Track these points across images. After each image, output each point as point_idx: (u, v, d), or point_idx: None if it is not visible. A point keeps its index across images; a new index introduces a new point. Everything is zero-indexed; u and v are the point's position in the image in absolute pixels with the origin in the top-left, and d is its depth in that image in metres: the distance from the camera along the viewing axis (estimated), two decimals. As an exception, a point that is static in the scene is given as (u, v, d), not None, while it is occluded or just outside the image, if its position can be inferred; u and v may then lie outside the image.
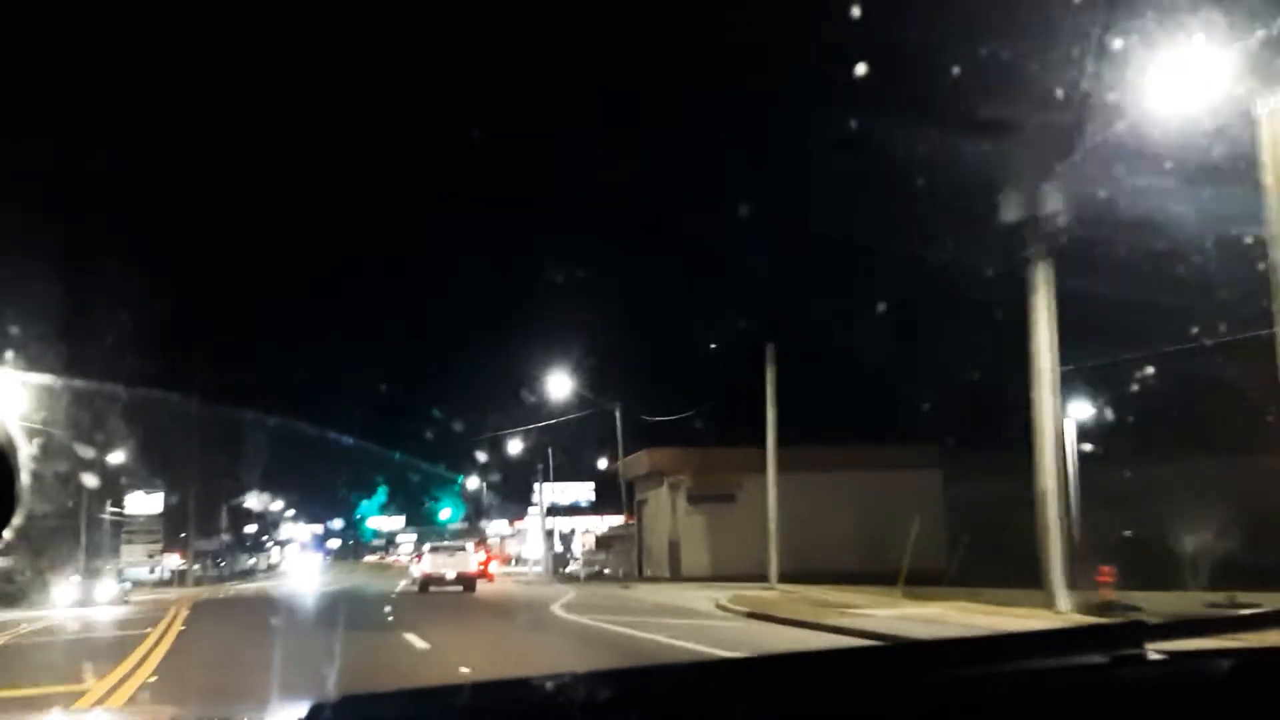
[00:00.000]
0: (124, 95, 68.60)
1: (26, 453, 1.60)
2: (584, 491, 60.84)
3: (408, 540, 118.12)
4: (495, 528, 72.88)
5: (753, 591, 20.91)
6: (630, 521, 43.91)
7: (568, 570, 47.51)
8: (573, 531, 57.57)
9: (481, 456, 60.76)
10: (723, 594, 20.57)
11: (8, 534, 1.64)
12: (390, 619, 17.41)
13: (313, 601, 28.37)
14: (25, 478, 1.59)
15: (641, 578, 37.21)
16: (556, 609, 18.93)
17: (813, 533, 35.30)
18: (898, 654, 2.15)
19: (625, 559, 41.08)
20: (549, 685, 1.45)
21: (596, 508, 59.63)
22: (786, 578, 29.21)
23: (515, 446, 53.60)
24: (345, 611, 19.98)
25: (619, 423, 35.74)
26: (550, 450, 51.83)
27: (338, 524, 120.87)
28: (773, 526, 22.79)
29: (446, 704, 1.51)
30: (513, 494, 66.11)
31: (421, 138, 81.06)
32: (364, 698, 1.50)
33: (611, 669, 1.64)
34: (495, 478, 65.76)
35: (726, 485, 37.05)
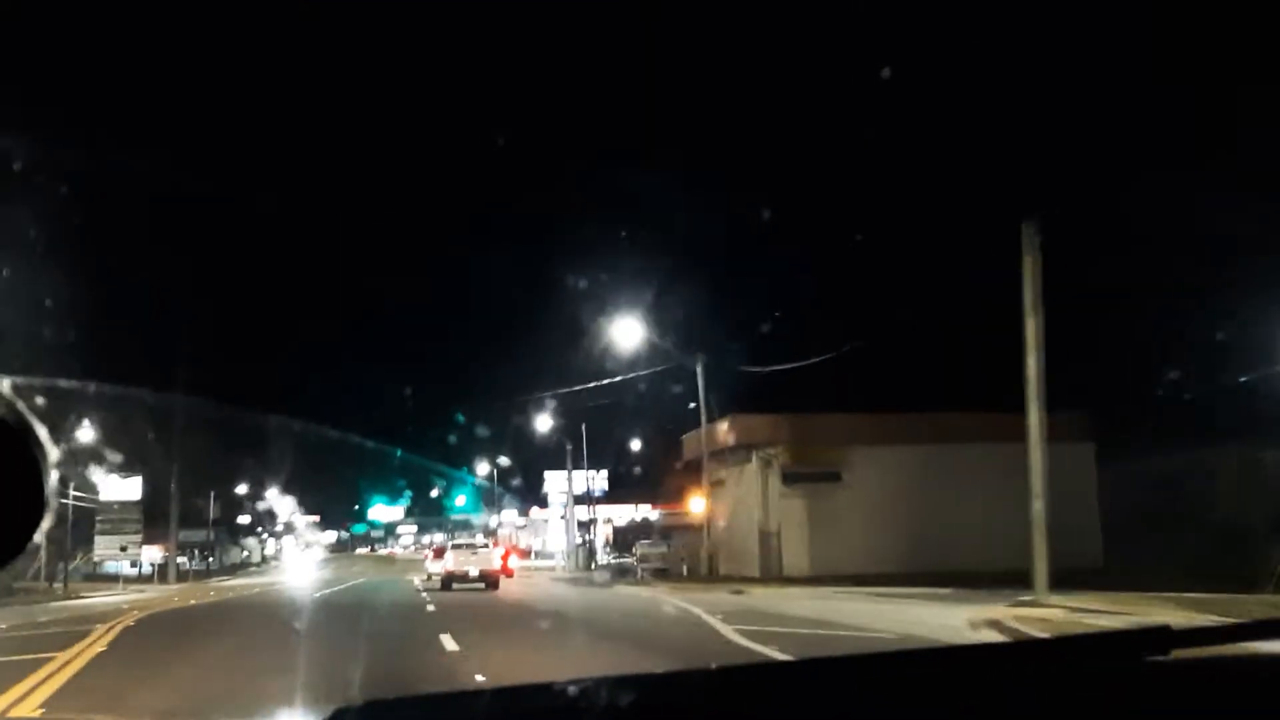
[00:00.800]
0: (144, 99, 67.36)
1: (54, 457, 1.52)
2: (599, 480, 57.83)
3: (408, 531, 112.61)
4: (505, 518, 68.94)
5: (1011, 608, 13.49)
6: (682, 510, 38.13)
7: (598, 564, 44.14)
8: (594, 521, 54.31)
9: (494, 445, 57.42)
10: (957, 610, 13.49)
11: (38, 537, 1.54)
12: (481, 680, 9.49)
13: (320, 616, 20.37)
14: (53, 482, 1.52)
15: (718, 577, 29.71)
16: (737, 638, 11.71)
17: (937, 519, 28.33)
18: (902, 659, 1.84)
19: (691, 553, 33.74)
20: (571, 690, 1.39)
21: (610, 496, 58.81)
22: (902, 579, 22.31)
23: (527, 436, 50.41)
24: (377, 645, 12.59)
25: (700, 381, 28.38)
26: (584, 429, 46.14)
27: (339, 516, 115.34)
28: (1039, 507, 15.02)
29: (468, 709, 1.48)
30: (523, 485, 64.81)
31: (431, 137, 77.93)
32: (388, 703, 1.45)
33: (640, 674, 1.45)
34: (509, 468, 63.48)
35: (830, 460, 29.82)
